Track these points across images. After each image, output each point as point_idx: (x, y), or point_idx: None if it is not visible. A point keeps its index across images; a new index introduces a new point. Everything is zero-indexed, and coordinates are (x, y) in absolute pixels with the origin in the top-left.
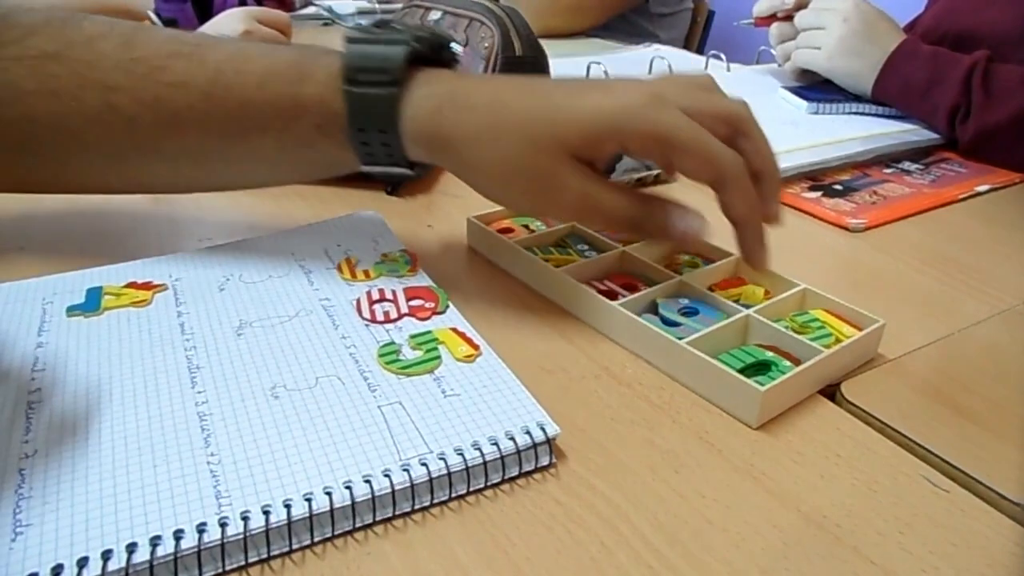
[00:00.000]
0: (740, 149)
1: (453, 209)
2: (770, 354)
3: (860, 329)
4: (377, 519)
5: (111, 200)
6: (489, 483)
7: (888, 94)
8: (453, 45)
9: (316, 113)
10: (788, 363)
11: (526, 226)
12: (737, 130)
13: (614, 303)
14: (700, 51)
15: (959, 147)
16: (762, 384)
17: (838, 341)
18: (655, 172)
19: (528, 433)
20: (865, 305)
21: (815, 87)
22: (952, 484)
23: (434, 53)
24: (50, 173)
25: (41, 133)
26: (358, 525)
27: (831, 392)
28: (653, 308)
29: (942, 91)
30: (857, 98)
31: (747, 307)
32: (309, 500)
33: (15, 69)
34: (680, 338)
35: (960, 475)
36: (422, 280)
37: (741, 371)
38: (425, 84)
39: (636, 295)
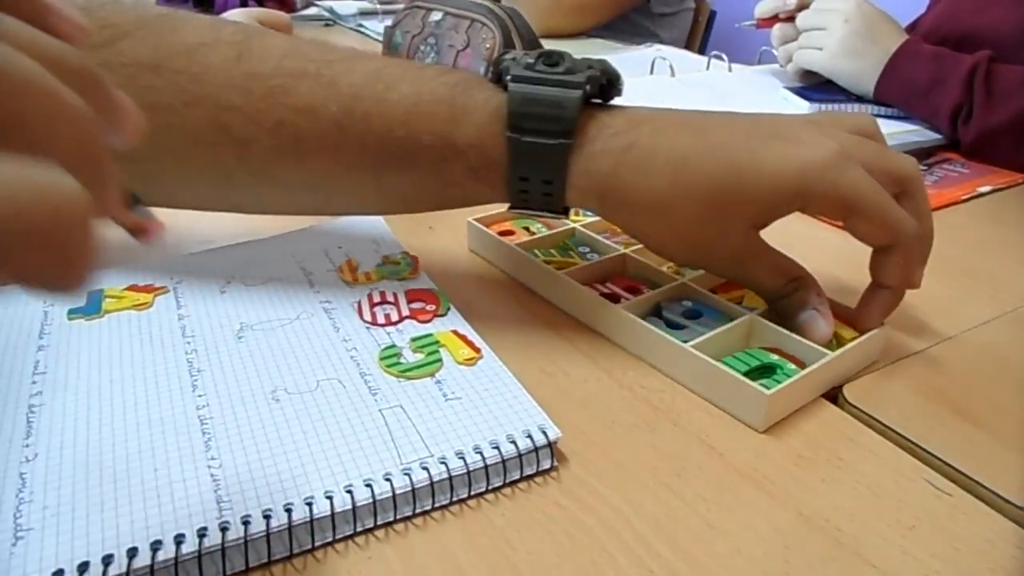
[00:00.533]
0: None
1: (454, 211)
2: (775, 357)
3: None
4: (378, 523)
5: None
6: (490, 487)
7: (890, 94)
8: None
9: (471, 157)
10: (793, 366)
11: (527, 228)
12: (905, 190)
13: (617, 306)
14: (702, 51)
15: (961, 148)
16: (768, 387)
17: (840, 344)
18: None
19: (529, 436)
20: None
21: (817, 88)
22: (955, 487)
23: (603, 92)
24: (140, 190)
25: (134, 149)
26: (359, 529)
27: (833, 395)
28: (656, 311)
29: (944, 91)
30: (859, 98)
31: (751, 309)
32: (310, 504)
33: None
34: (685, 341)
35: (963, 478)
36: (423, 282)
37: (746, 374)
38: (599, 136)
39: (639, 298)
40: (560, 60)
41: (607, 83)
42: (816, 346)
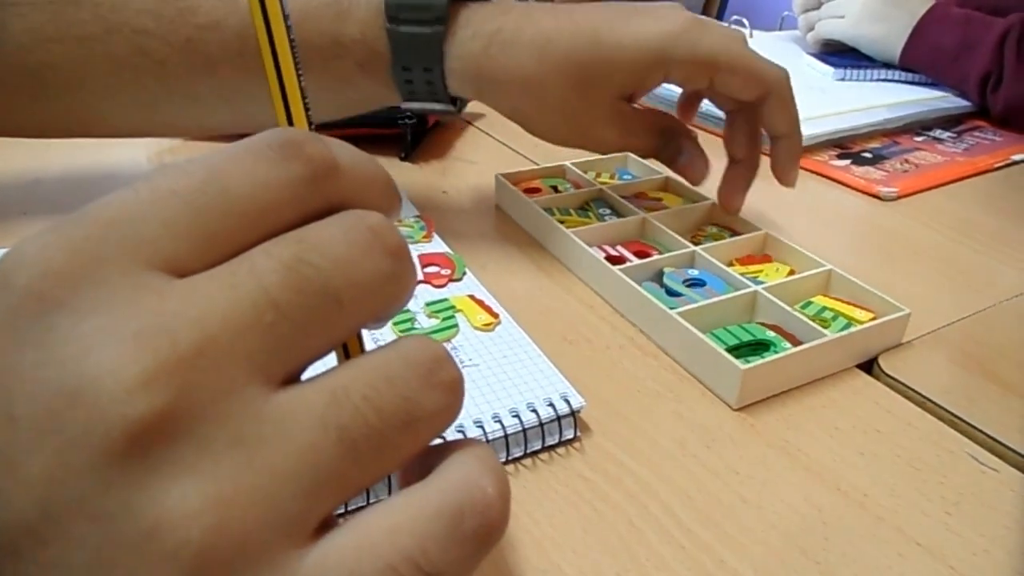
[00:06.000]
0: None
1: (468, 175)
2: (771, 334)
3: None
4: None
5: (117, 166)
6: (510, 457)
7: (917, 60)
8: None
9: (358, 52)
10: (788, 345)
11: (554, 187)
12: (770, 91)
13: (612, 267)
14: (720, 17)
15: (991, 116)
16: (747, 363)
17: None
18: None
19: (551, 405)
20: (899, 276)
21: (842, 54)
22: (1001, 463)
23: None
24: (74, 119)
25: (65, 80)
26: (372, 502)
27: (868, 365)
28: (659, 277)
29: (973, 57)
30: (885, 65)
31: (759, 284)
32: None
33: (34, 15)
34: (672, 308)
35: (1010, 453)
36: (437, 246)
37: (735, 348)
38: (470, 22)
39: (641, 261)
40: None
41: None
42: (816, 326)
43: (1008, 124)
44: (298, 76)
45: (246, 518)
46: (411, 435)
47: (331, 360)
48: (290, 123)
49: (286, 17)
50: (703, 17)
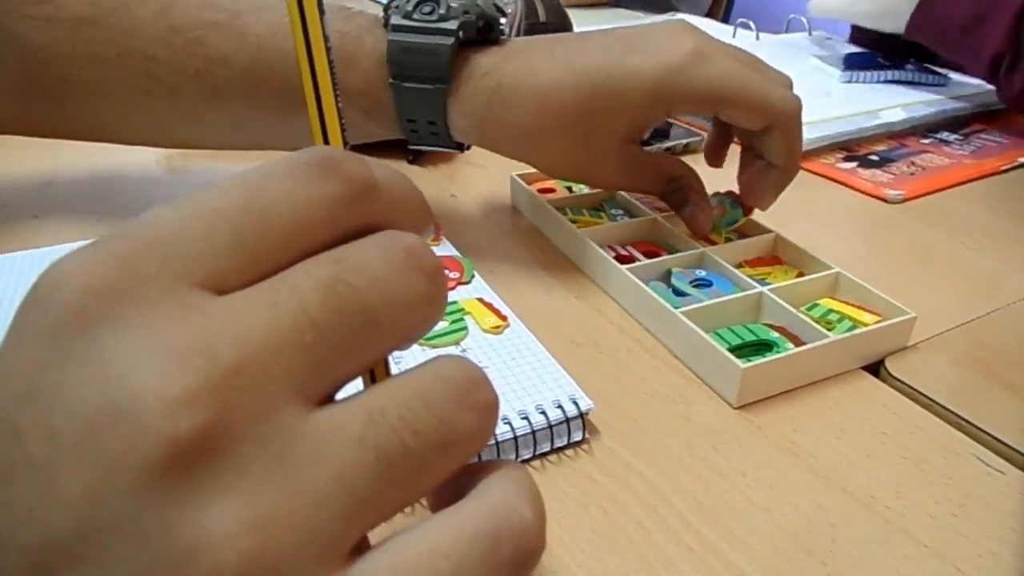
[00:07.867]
0: None
1: (476, 179)
2: (775, 335)
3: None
4: None
5: (128, 169)
6: (519, 459)
7: (924, 32)
8: (502, 21)
9: (363, 101)
10: (792, 346)
11: (569, 188)
12: (773, 124)
13: (620, 266)
14: (726, 19)
15: (1001, 97)
16: (748, 362)
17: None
18: (684, 142)
19: (560, 407)
20: (905, 278)
21: (849, 55)
22: (1007, 465)
23: (480, 35)
24: (90, 129)
25: (81, 96)
26: None
27: (875, 367)
28: (667, 277)
29: (987, 32)
30: (893, 65)
31: (766, 285)
32: None
33: (50, 30)
34: (677, 307)
35: (1015, 456)
36: (446, 249)
37: (736, 348)
38: (471, 76)
39: (649, 261)
40: (435, 7)
41: (484, 26)
42: (819, 328)
43: (1022, 110)
44: (335, 95)
45: (283, 541)
46: (446, 456)
47: (356, 384)
48: (326, 141)
49: (326, 39)
50: (712, 40)
